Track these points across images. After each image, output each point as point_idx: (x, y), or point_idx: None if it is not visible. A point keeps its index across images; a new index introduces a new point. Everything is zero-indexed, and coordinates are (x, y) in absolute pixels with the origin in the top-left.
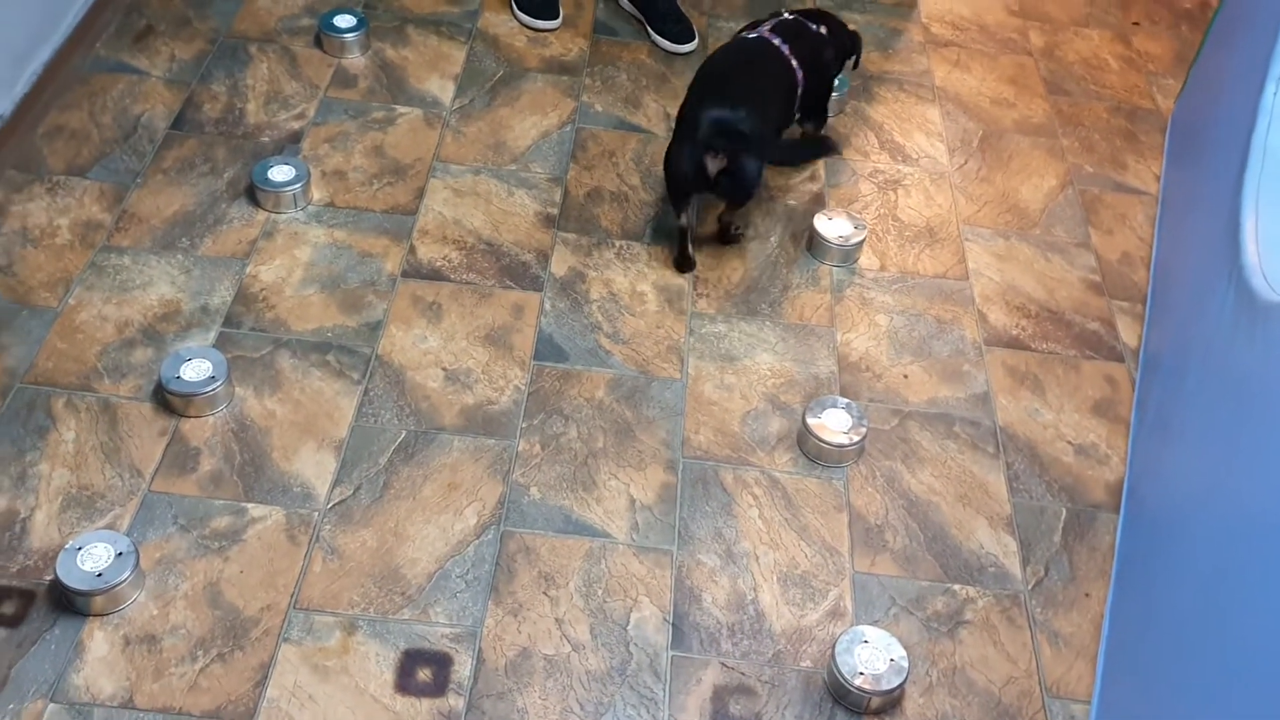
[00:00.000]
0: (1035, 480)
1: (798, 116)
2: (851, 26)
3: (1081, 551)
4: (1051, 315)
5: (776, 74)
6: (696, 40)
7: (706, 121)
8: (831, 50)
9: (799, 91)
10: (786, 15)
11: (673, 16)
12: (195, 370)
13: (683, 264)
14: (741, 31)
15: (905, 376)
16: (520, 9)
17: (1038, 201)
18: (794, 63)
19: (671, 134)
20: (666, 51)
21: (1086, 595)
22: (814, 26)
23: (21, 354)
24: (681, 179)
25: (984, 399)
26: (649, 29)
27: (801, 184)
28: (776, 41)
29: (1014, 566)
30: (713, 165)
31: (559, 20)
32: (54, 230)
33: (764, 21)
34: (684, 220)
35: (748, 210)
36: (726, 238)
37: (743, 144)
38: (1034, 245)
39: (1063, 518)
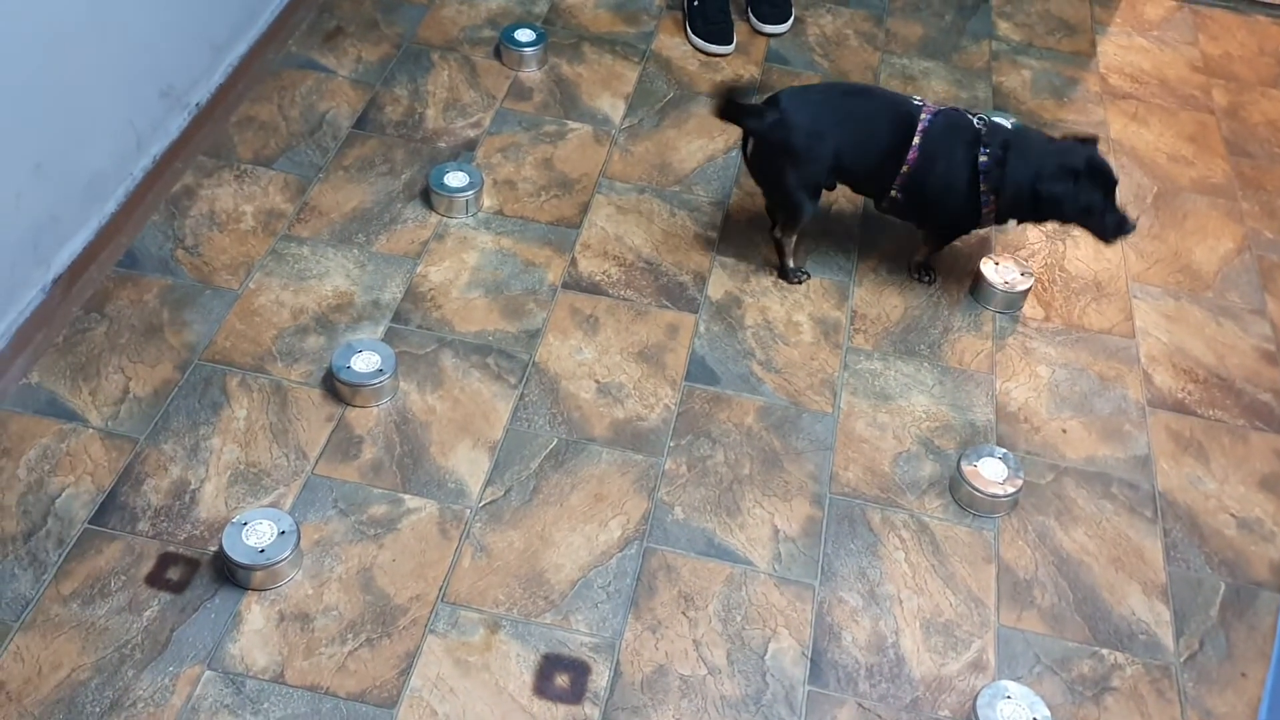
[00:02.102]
0: (1194, 551)
1: (893, 195)
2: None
3: (1240, 629)
4: (1220, 382)
5: (882, 124)
6: (788, 24)
7: (765, 101)
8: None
9: (902, 167)
10: (975, 118)
11: None
12: (365, 362)
13: (783, 272)
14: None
15: (1064, 431)
16: (695, 33)
17: (1212, 264)
18: (920, 128)
19: None
20: (756, 32)
21: (1243, 675)
22: (984, 143)
23: (202, 331)
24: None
25: (1144, 462)
26: (748, 10)
27: None
28: (923, 114)
29: (1166, 637)
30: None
31: (733, 46)
32: (239, 216)
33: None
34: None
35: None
36: (782, 271)
37: (764, 119)
38: (1206, 308)
39: (1221, 592)
